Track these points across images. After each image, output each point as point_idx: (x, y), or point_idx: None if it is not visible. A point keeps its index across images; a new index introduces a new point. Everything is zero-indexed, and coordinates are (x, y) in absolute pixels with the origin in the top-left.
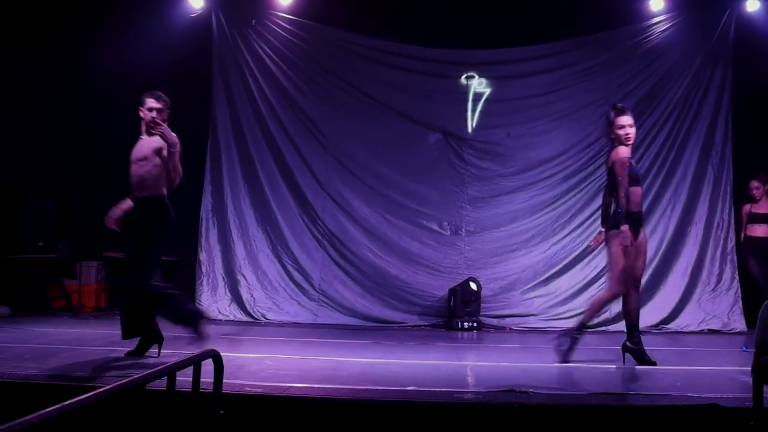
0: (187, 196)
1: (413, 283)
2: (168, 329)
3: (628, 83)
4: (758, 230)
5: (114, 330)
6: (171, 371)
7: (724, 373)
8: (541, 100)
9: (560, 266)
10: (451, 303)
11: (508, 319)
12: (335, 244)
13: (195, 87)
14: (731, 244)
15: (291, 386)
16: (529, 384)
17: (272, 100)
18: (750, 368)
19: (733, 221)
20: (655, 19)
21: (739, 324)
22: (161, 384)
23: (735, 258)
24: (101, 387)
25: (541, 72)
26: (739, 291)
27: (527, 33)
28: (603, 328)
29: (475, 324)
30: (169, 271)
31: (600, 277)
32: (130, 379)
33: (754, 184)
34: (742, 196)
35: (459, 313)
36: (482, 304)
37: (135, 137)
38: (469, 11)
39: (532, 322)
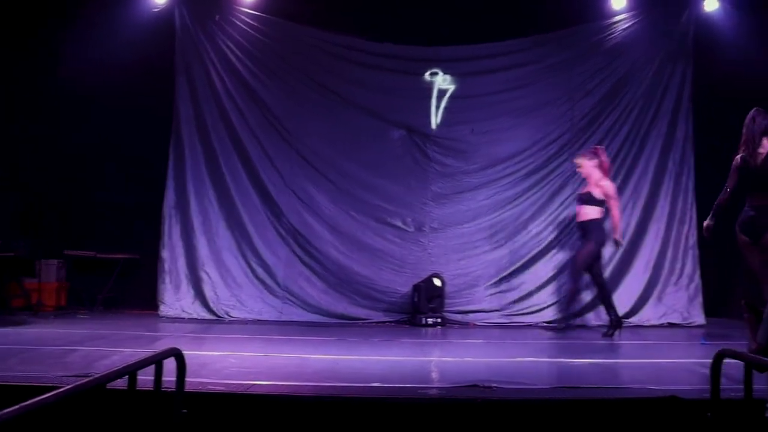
0: (149, 192)
1: (377, 280)
2: (129, 328)
3: (590, 80)
4: (578, 212)
5: (74, 329)
6: (132, 370)
7: (684, 366)
8: (504, 97)
9: (523, 262)
10: (415, 299)
11: (471, 315)
12: (299, 240)
13: (158, 82)
14: (693, 238)
15: (255, 384)
16: (492, 379)
17: (236, 96)
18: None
19: (695, 216)
20: (617, 17)
21: (699, 318)
22: (122, 383)
23: (696, 252)
24: (61, 387)
25: (504, 69)
26: (700, 285)
27: (491, 30)
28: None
29: (439, 320)
30: (131, 268)
31: (563, 272)
32: (90, 378)
33: (576, 161)
34: (704, 190)
35: (423, 309)
36: (446, 300)
37: (98, 135)
38: (433, 8)
39: (496, 318)
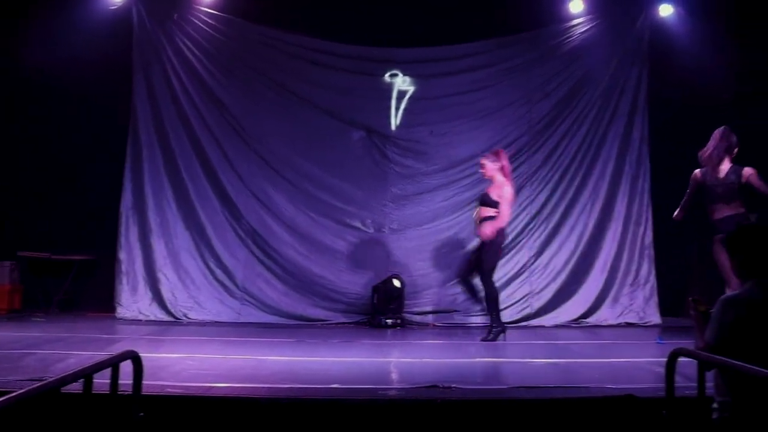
0: (106, 192)
1: (337, 281)
2: (85, 331)
3: (548, 83)
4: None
5: (28, 332)
6: (87, 373)
7: (640, 365)
8: (464, 99)
9: None
10: (375, 300)
11: (431, 316)
12: (258, 242)
13: (116, 81)
14: (649, 239)
15: (213, 386)
16: (451, 379)
17: (194, 95)
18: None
19: (651, 217)
20: (575, 21)
21: (655, 317)
22: (78, 387)
23: (652, 253)
24: (15, 391)
25: (464, 71)
26: (655, 285)
27: (451, 32)
28: (525, 323)
29: (398, 320)
30: (87, 270)
31: (522, 273)
32: (44, 382)
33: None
34: (659, 193)
35: (382, 310)
36: (406, 301)
37: (53, 133)
38: (392, 9)
39: (455, 318)
